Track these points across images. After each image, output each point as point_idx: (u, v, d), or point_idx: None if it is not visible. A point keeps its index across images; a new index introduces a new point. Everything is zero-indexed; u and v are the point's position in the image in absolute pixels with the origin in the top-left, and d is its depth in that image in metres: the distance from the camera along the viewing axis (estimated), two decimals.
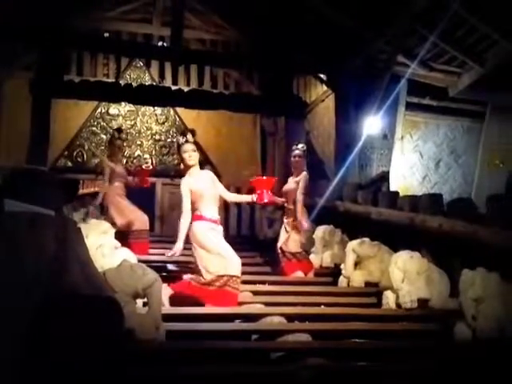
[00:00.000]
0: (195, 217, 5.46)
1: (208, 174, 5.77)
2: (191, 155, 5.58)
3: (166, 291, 5.18)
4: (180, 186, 5.57)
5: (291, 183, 7.14)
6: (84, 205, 8.40)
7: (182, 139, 5.61)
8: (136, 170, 8.03)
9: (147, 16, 11.65)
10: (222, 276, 5.25)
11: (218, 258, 5.31)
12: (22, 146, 9.24)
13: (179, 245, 5.45)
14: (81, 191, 11.32)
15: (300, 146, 7.29)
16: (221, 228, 5.59)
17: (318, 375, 3.82)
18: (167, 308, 4.96)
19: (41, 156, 8.90)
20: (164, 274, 5.94)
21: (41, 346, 2.76)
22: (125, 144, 9.21)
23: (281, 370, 4.09)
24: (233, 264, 5.33)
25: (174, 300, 5.23)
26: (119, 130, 8.40)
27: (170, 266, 6.63)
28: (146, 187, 8.12)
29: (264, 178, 6.28)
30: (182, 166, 5.74)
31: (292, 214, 7.01)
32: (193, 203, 5.48)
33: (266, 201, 5.86)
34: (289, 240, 6.93)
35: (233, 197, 6.17)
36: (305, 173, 7.12)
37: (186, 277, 5.48)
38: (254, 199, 5.82)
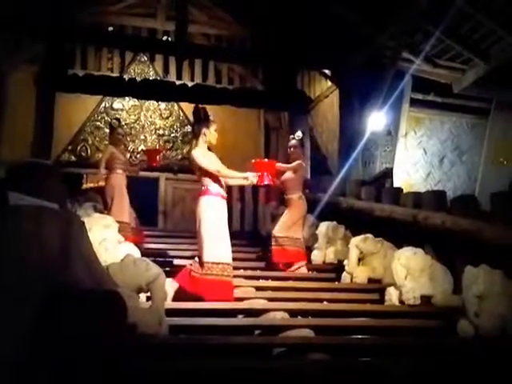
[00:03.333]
0: (203, 191, 5.50)
1: (215, 154, 5.80)
2: (216, 136, 5.68)
3: (172, 285, 5.24)
4: (196, 161, 5.53)
5: (289, 173, 7.12)
6: (88, 199, 8.39)
7: (212, 117, 5.67)
8: (146, 150, 8.04)
9: (151, 10, 11.65)
10: (218, 264, 5.31)
11: (215, 244, 5.36)
12: (25, 139, 9.26)
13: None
14: (84, 185, 11.34)
15: (296, 135, 7.31)
16: (225, 202, 5.61)
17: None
18: (170, 303, 4.97)
19: (44, 150, 8.93)
20: (168, 268, 5.95)
21: (44, 340, 2.77)
22: (126, 134, 9.18)
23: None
24: (226, 251, 5.42)
25: (179, 294, 5.27)
26: (118, 119, 8.41)
27: (176, 261, 6.66)
28: (156, 166, 8.11)
29: (265, 160, 6.35)
30: (202, 139, 5.64)
31: (291, 203, 7.02)
32: (202, 176, 5.53)
33: (266, 183, 5.92)
34: (278, 223, 7.00)
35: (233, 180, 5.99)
36: (299, 161, 7.11)
37: (188, 264, 5.51)
38: (254, 181, 5.79)
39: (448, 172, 9.79)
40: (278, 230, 6.98)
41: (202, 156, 5.56)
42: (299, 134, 7.36)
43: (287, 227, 6.95)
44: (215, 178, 5.53)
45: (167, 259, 6.76)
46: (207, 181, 5.51)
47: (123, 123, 11.70)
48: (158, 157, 8.11)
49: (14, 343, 2.73)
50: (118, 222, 7.09)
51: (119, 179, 7.64)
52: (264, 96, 11.07)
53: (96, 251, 3.70)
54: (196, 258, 5.43)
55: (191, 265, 5.40)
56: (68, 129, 11.26)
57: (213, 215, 5.44)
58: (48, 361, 2.71)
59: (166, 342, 4.29)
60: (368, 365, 4.09)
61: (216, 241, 5.38)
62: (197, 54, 10.98)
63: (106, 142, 11.34)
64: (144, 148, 11.76)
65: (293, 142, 7.24)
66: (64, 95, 10.07)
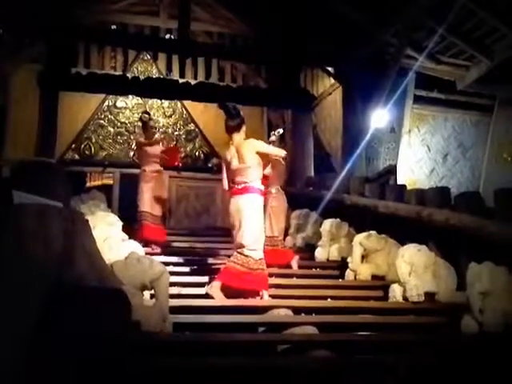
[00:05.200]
0: (245, 188, 5.49)
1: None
2: None
3: (216, 286, 5.27)
4: (262, 148, 5.68)
5: (267, 169, 7.08)
6: (92, 197, 8.41)
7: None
8: (164, 151, 7.96)
9: (154, 8, 11.64)
10: (261, 260, 5.44)
11: (260, 242, 5.50)
12: (29, 138, 9.28)
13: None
14: (88, 184, 11.37)
15: (276, 131, 7.34)
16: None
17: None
18: (173, 300, 4.96)
19: (49, 149, 8.95)
20: (172, 266, 5.96)
21: (48, 338, 2.77)
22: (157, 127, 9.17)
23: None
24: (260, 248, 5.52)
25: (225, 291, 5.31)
26: (147, 112, 8.41)
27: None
28: (177, 165, 8.06)
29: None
30: (242, 134, 5.69)
31: (269, 196, 6.97)
32: (248, 171, 5.54)
33: None
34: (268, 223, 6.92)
35: None
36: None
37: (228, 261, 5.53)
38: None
39: (452, 169, 9.78)
40: (268, 230, 6.80)
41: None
42: (280, 130, 7.40)
43: (274, 224, 6.91)
44: (259, 175, 5.58)
45: (172, 257, 6.78)
46: (253, 177, 5.53)
47: (127, 121, 11.74)
48: (177, 155, 8.05)
49: (18, 340, 2.74)
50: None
51: (148, 176, 7.69)
52: (267, 94, 11.06)
53: (100, 249, 3.70)
54: (239, 254, 5.41)
55: (234, 262, 5.39)
56: (72, 127, 11.26)
57: (257, 213, 5.50)
58: (52, 358, 2.72)
59: (169, 340, 4.30)
60: (372, 362, 4.09)
61: (260, 239, 5.49)
62: (200, 52, 10.97)
63: (110, 141, 11.49)
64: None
65: (272, 138, 7.27)
66: (67, 94, 10.09)
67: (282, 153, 5.81)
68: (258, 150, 5.58)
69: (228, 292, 5.29)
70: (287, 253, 6.84)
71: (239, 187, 5.50)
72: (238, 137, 5.64)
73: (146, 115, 8.04)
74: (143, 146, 7.85)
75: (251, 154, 5.52)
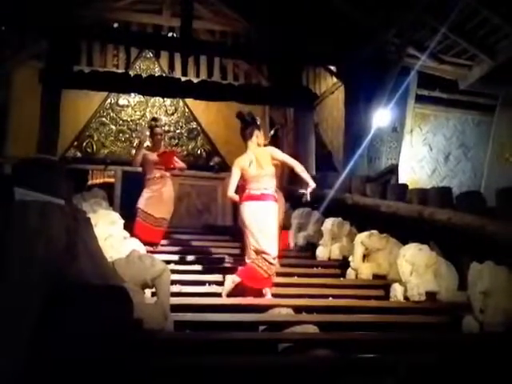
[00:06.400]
0: (263, 195, 5.55)
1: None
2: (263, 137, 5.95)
3: (234, 279, 5.34)
4: (279, 154, 5.77)
5: None
6: (94, 195, 8.40)
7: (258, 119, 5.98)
8: (159, 153, 7.76)
9: (157, 7, 11.65)
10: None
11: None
12: (31, 136, 9.28)
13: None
14: (90, 181, 11.36)
15: (269, 133, 7.36)
16: None
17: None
18: (175, 298, 4.96)
19: (50, 146, 8.96)
20: (173, 264, 5.97)
21: (49, 336, 2.78)
22: (164, 132, 9.00)
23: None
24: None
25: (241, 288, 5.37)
26: (155, 118, 8.30)
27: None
28: (173, 168, 7.95)
29: None
30: (255, 140, 5.76)
31: None
32: (270, 179, 5.63)
33: None
34: None
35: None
36: None
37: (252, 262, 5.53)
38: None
39: (453, 168, 9.77)
40: None
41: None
42: (271, 132, 7.42)
43: None
44: (274, 183, 5.65)
45: (173, 255, 6.78)
46: (270, 185, 5.59)
47: (129, 119, 11.74)
48: (172, 159, 7.86)
49: (19, 339, 2.74)
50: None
51: (150, 183, 7.62)
52: (269, 92, 11.06)
53: (102, 247, 3.70)
54: (265, 260, 5.43)
55: (259, 266, 5.41)
56: (74, 125, 11.27)
57: (276, 221, 5.63)
58: (53, 356, 2.73)
59: (170, 338, 4.30)
60: (373, 361, 4.09)
61: (277, 245, 5.59)
62: (202, 51, 10.98)
63: (112, 138, 11.50)
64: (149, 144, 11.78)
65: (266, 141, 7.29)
66: (69, 91, 10.09)
67: (297, 166, 5.71)
68: (274, 156, 5.65)
69: (236, 289, 5.35)
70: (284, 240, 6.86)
71: (257, 193, 5.53)
72: (254, 144, 5.69)
73: (153, 122, 7.94)
74: (140, 150, 7.76)
75: (268, 162, 5.59)
